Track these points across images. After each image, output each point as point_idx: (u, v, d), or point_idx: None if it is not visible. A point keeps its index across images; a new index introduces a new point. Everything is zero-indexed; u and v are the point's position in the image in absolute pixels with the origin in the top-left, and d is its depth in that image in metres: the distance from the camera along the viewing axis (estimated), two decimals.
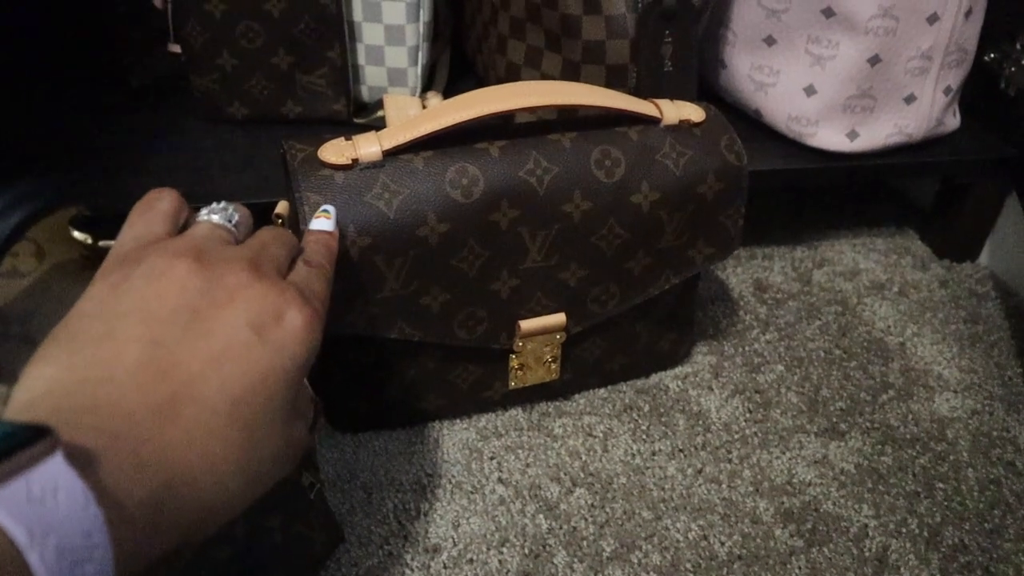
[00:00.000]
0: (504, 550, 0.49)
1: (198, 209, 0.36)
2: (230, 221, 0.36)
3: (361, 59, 0.67)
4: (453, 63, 0.77)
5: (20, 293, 0.38)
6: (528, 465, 0.54)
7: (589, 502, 0.52)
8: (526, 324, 0.51)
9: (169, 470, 0.25)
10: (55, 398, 0.26)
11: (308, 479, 0.43)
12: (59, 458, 0.21)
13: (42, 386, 0.26)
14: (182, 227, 0.35)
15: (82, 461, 0.23)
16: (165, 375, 0.27)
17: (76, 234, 0.41)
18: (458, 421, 0.58)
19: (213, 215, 0.35)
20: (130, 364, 0.27)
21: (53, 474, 0.21)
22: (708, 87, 0.74)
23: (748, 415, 0.60)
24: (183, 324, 0.29)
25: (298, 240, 0.39)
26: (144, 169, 0.62)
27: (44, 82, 0.74)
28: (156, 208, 0.34)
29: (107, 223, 0.38)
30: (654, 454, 0.56)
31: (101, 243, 0.41)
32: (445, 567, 0.48)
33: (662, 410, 0.59)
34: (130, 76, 0.72)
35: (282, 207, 0.44)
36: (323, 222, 0.42)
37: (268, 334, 0.30)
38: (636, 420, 0.58)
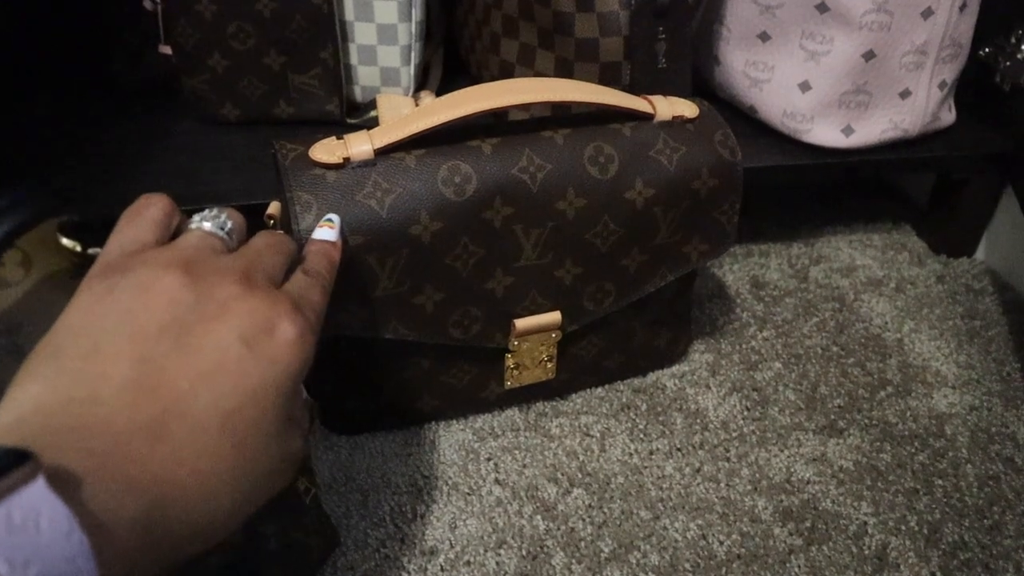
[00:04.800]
0: (502, 552, 0.49)
1: (191, 214, 0.36)
2: (223, 228, 0.34)
3: (353, 59, 0.67)
4: (447, 62, 0.77)
5: (7, 303, 0.37)
6: (525, 466, 0.54)
7: (587, 502, 0.52)
8: (521, 323, 0.50)
9: (159, 489, 0.25)
10: (41, 418, 0.25)
11: (304, 484, 0.42)
12: (41, 484, 0.21)
13: (28, 406, 0.26)
14: (174, 233, 0.34)
15: (67, 484, 0.22)
16: (153, 393, 0.27)
17: (65, 241, 0.40)
18: (454, 422, 0.57)
19: (205, 222, 0.34)
20: (117, 383, 0.27)
21: (35, 500, 0.20)
22: (703, 84, 0.74)
23: (746, 413, 0.59)
24: (172, 340, 0.28)
25: (295, 244, 0.38)
26: (135, 172, 0.62)
27: (33, 86, 0.74)
28: (145, 215, 0.33)
29: (97, 229, 0.38)
30: (652, 453, 0.55)
31: (90, 250, 0.40)
32: (442, 569, 0.47)
33: (659, 409, 0.59)
34: (121, 78, 0.72)
35: (274, 207, 0.44)
36: (326, 232, 0.41)
37: (259, 347, 0.29)
38: (633, 419, 0.58)
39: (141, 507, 0.24)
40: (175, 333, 0.29)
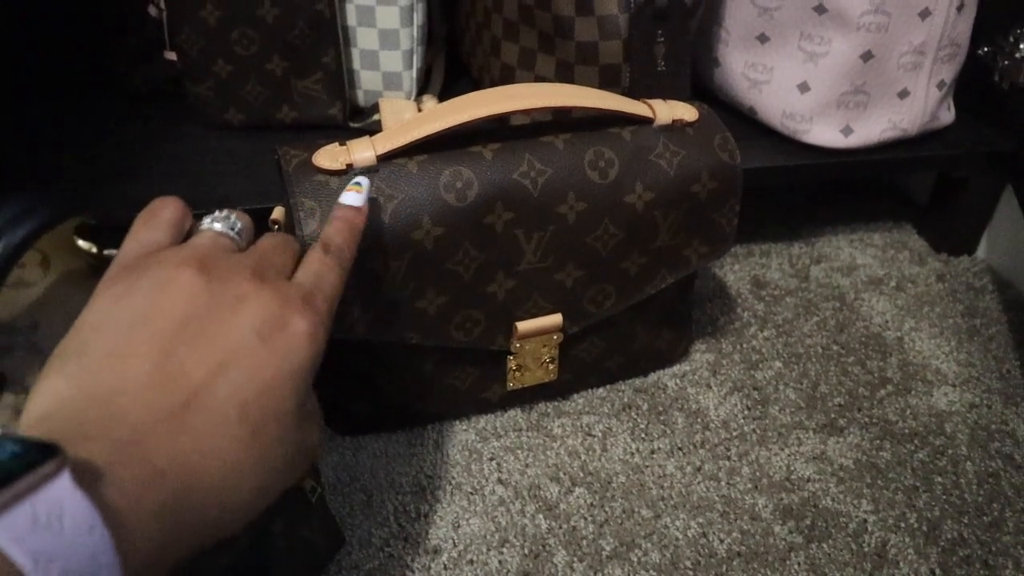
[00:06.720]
0: (504, 550, 0.49)
1: (198, 218, 0.37)
2: (232, 229, 0.36)
3: (356, 64, 0.68)
4: (448, 66, 0.77)
5: (27, 303, 0.38)
6: (527, 465, 0.55)
7: (588, 501, 0.52)
8: (523, 325, 0.51)
9: (181, 479, 0.26)
10: (65, 413, 0.26)
11: (310, 483, 0.43)
12: (66, 479, 0.21)
13: (52, 402, 0.27)
14: (186, 235, 0.36)
15: (91, 477, 0.23)
16: (173, 386, 0.28)
17: (81, 243, 0.41)
18: (457, 423, 0.58)
19: (216, 223, 0.35)
20: (139, 378, 0.27)
21: (59, 497, 0.21)
22: (702, 86, 0.75)
23: (746, 412, 0.60)
24: (189, 335, 0.29)
25: (300, 245, 0.39)
26: (142, 177, 0.62)
27: (41, 92, 0.74)
28: (160, 217, 0.35)
29: (111, 232, 0.39)
30: (653, 453, 0.56)
31: (106, 252, 0.41)
32: (445, 568, 0.48)
33: (661, 408, 0.60)
34: (127, 84, 0.73)
35: (278, 213, 0.44)
36: (353, 196, 0.40)
37: (273, 341, 0.30)
38: (635, 419, 0.59)
39: (164, 497, 0.25)
40: (192, 328, 0.30)
